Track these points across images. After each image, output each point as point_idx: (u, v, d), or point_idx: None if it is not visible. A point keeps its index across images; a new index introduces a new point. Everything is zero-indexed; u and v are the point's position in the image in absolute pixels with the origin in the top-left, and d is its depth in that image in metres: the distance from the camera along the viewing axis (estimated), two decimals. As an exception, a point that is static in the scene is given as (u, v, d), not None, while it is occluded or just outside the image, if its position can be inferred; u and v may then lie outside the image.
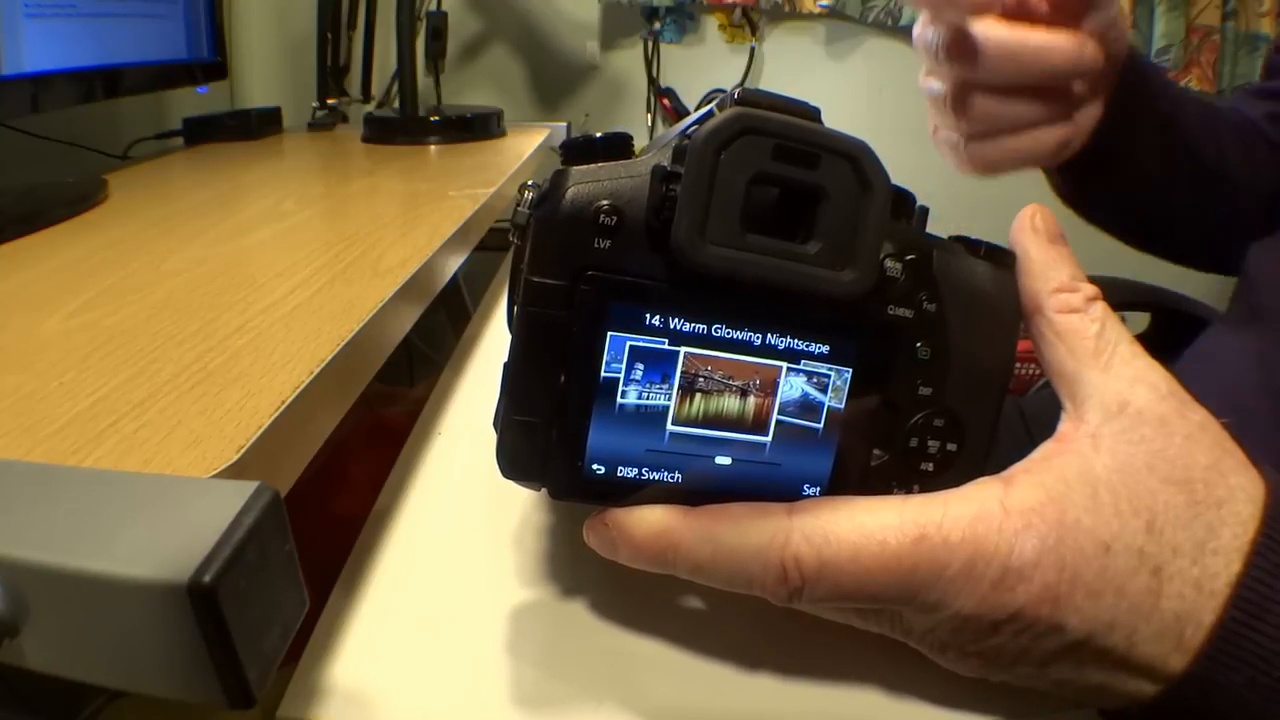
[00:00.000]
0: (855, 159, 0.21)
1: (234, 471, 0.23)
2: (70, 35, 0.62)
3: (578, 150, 0.23)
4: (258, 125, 0.94)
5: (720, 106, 0.22)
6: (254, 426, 0.25)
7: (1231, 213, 0.54)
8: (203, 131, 0.90)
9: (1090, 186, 0.52)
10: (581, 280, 0.21)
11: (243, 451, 0.24)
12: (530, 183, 0.23)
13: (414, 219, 0.53)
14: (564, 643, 0.28)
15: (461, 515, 0.34)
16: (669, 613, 0.29)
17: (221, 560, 0.16)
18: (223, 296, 0.37)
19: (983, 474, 0.24)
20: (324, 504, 0.56)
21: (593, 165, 0.22)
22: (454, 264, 0.52)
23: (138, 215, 0.55)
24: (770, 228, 0.21)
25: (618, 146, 0.23)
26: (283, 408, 0.26)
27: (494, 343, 0.54)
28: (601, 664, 0.27)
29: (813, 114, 0.22)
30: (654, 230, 0.21)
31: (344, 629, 0.28)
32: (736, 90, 0.22)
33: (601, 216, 0.21)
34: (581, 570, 0.30)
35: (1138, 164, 0.50)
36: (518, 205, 0.23)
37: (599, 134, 0.23)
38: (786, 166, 0.21)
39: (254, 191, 0.66)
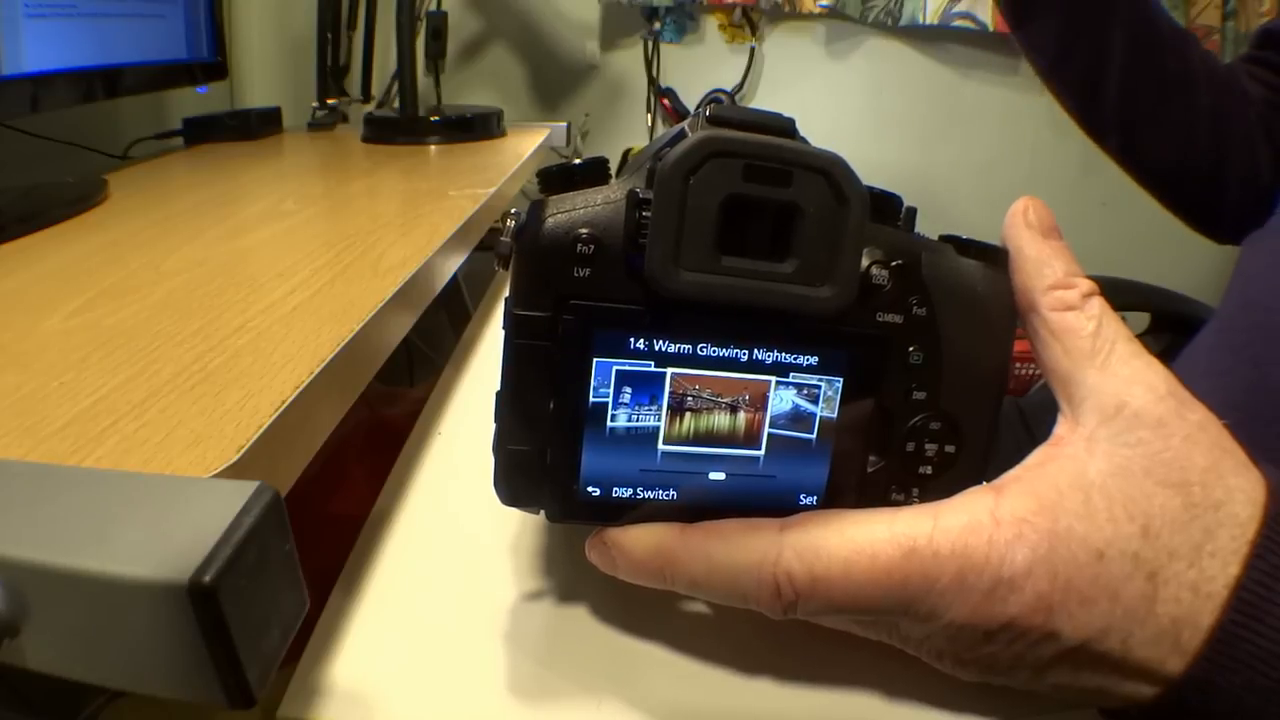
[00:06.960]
0: (828, 173, 0.21)
1: (234, 471, 0.23)
2: (70, 35, 0.62)
3: (555, 178, 0.23)
4: (258, 125, 0.94)
5: (692, 126, 0.22)
6: (254, 426, 0.25)
7: (1196, 137, 0.59)
8: (203, 131, 0.90)
9: None
10: (564, 309, 0.21)
11: (243, 451, 0.24)
12: (514, 211, 0.23)
13: (414, 219, 0.53)
14: (564, 642, 0.28)
15: (461, 515, 0.34)
16: (670, 613, 0.29)
17: (221, 560, 0.16)
18: (223, 296, 0.37)
19: (985, 474, 0.24)
20: (324, 504, 0.55)
21: (570, 193, 0.22)
22: (454, 264, 0.52)
23: (138, 215, 0.55)
24: (751, 245, 0.21)
25: (595, 172, 0.23)
26: (283, 408, 0.26)
27: (494, 343, 0.54)
28: (602, 664, 0.27)
29: (787, 127, 0.22)
30: (632, 256, 0.21)
31: (344, 629, 0.28)
32: (707, 107, 0.22)
33: (579, 245, 0.21)
34: (582, 571, 0.30)
35: None
36: (501, 235, 0.23)
37: (577, 160, 0.23)
38: (758, 186, 0.21)
39: (254, 191, 0.66)
